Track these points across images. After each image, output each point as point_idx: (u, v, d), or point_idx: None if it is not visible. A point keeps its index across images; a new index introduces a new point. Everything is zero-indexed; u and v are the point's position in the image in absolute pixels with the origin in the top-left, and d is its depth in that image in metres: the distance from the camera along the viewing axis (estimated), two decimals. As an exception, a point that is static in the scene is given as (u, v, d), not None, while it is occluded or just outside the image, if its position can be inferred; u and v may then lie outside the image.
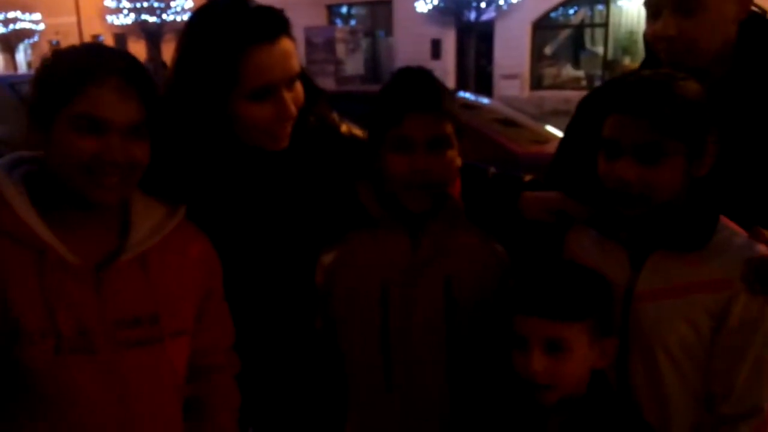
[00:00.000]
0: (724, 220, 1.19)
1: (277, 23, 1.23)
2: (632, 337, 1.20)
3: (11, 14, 27.91)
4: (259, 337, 1.38)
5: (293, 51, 1.25)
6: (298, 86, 1.28)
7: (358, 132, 1.48)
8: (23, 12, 27.76)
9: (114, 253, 1.11)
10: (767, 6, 1.40)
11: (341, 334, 1.40)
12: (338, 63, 14.16)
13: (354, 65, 14.95)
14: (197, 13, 1.27)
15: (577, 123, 1.58)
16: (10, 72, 23.50)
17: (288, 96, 1.24)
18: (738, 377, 1.14)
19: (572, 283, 1.17)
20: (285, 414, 1.46)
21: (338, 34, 14.76)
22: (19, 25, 27.98)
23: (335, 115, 1.47)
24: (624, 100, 1.14)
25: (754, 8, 1.35)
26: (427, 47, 17.54)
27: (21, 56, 30.18)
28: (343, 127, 1.47)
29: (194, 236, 1.24)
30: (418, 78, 1.30)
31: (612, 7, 15.64)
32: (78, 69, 1.03)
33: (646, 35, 1.39)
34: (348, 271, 1.36)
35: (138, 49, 21.61)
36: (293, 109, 1.25)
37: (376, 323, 1.32)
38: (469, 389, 1.35)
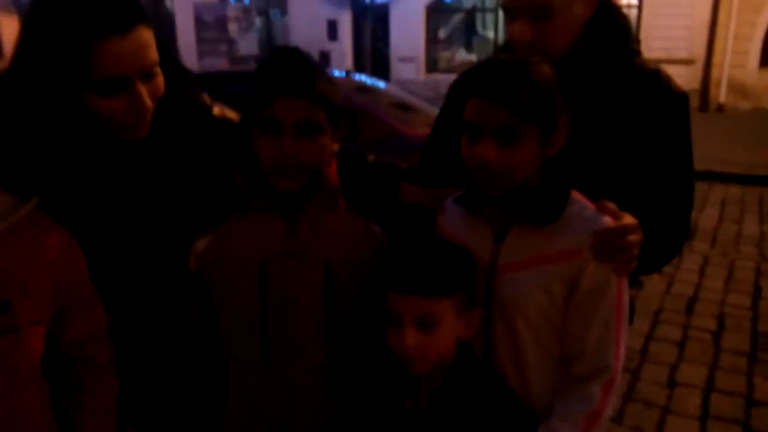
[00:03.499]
0: (575, 195, 1.27)
1: (131, 13, 1.16)
2: (495, 307, 1.27)
3: None
4: (133, 328, 1.35)
5: (150, 41, 1.19)
6: (158, 77, 1.23)
7: (231, 114, 1.45)
8: None
9: None
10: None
11: (219, 320, 1.38)
12: (231, 42, 13.77)
13: (248, 45, 14.57)
14: None
15: (448, 106, 1.64)
16: None
17: (143, 89, 1.19)
18: (588, 338, 1.23)
19: (439, 260, 1.22)
20: (163, 405, 1.43)
21: (230, 12, 14.34)
22: None
23: (206, 98, 1.44)
24: (482, 84, 1.18)
25: None
26: (323, 28, 17.34)
27: None
28: (216, 110, 1.44)
29: (50, 228, 1.19)
30: (291, 60, 1.28)
31: (501, -8, 16.11)
32: None
33: (506, 36, 1.45)
34: (223, 256, 1.34)
35: (11, 24, 19.91)
36: (148, 102, 1.21)
37: (255, 306, 1.32)
38: (349, 368, 1.38)
